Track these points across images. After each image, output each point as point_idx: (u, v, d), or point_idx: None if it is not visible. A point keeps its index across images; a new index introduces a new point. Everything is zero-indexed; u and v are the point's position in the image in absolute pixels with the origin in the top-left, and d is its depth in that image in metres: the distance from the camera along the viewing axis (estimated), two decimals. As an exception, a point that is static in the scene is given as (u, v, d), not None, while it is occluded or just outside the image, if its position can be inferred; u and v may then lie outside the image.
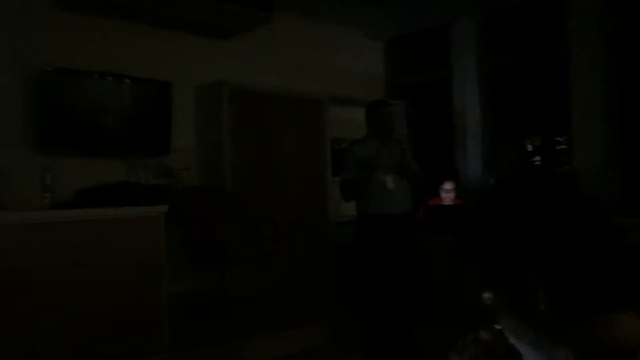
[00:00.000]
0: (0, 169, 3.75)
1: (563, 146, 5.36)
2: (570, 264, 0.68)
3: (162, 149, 4.50)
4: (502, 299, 0.74)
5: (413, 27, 5.92)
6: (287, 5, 5.05)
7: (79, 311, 2.52)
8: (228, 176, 4.65)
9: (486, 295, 0.75)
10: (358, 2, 5.31)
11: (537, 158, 5.56)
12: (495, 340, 0.80)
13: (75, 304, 2.51)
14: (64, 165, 3.77)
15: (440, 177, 5.17)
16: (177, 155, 4.59)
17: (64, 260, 2.49)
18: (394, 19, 5.81)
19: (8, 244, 2.35)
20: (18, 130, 3.97)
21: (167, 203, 3.04)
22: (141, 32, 4.54)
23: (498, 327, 0.79)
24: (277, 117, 5.02)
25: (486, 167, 5.43)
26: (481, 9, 5.36)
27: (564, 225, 0.70)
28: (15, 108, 3.97)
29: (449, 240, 3.89)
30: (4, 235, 2.35)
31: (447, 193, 4.95)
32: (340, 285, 5.05)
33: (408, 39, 6.15)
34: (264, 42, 5.22)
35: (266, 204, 4.78)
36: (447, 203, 4.93)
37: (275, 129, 5.01)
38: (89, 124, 4.14)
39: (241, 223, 4.20)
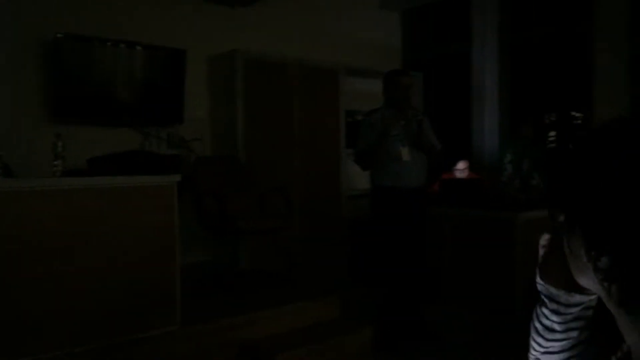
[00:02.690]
0: (13, 136, 3.74)
1: (579, 122, 5.24)
2: None
3: (176, 119, 4.45)
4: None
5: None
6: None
7: (90, 281, 2.52)
8: (241, 147, 4.60)
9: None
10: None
11: (553, 133, 5.45)
12: None
13: (86, 274, 2.51)
14: (77, 134, 3.74)
15: (456, 151, 5.09)
16: (190, 126, 4.55)
17: (74, 228, 2.47)
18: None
19: (18, 210, 2.33)
20: (31, 98, 3.94)
21: (180, 173, 3.01)
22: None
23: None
24: (292, 88, 4.94)
25: (503, 141, 5.33)
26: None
27: None
28: (28, 75, 3.94)
29: (464, 214, 3.83)
30: (14, 203, 2.32)
31: (461, 172, 4.88)
32: (353, 259, 5.04)
33: (425, 9, 5.99)
34: (279, 11, 5.11)
35: (279, 176, 4.74)
36: (461, 176, 4.86)
37: (290, 100, 4.94)
38: (101, 92, 4.10)
39: (254, 195, 4.17)
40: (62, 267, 2.44)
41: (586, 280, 0.72)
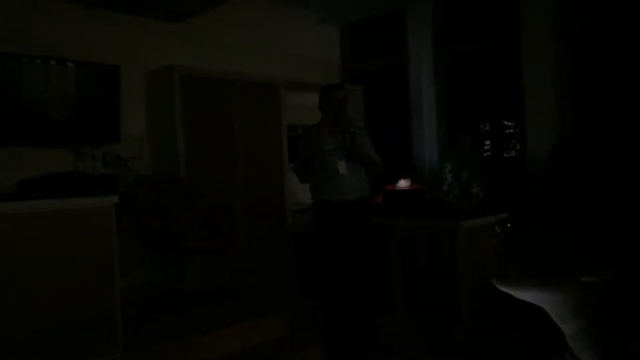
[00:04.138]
0: None
1: (511, 130, 5.48)
2: None
3: (111, 137, 4.30)
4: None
5: (368, 12, 5.87)
6: (240, -12, 4.90)
7: (24, 309, 2.37)
8: (182, 165, 4.50)
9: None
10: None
11: (488, 142, 5.67)
12: None
13: (20, 302, 2.35)
14: (4, 155, 3.54)
15: (398, 163, 5.19)
16: (128, 144, 4.40)
17: (5, 254, 2.32)
18: (349, 2, 5.74)
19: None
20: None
21: (118, 193, 2.90)
22: (88, 14, 4.32)
23: None
24: (232, 103, 4.89)
25: (442, 151, 5.47)
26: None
27: None
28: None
29: (408, 224, 3.89)
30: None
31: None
32: (300, 273, 5.01)
33: (364, 23, 6.10)
34: (217, 26, 5.06)
35: (223, 193, 4.66)
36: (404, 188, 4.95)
37: (231, 115, 4.88)
38: (31, 111, 3.90)
39: (197, 213, 4.07)
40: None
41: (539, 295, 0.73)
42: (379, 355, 3.39)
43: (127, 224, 3.69)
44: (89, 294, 2.60)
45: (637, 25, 4.31)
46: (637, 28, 4.32)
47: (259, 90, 5.07)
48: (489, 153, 5.61)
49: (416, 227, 3.80)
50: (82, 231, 2.59)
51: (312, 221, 3.65)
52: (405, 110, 5.78)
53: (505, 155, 5.55)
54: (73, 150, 4.13)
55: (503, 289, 0.75)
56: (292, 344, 3.21)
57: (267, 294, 4.16)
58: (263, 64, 5.31)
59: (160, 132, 4.65)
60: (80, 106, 4.16)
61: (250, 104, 4.99)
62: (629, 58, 4.40)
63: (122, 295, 2.74)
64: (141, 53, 4.60)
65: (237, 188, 4.84)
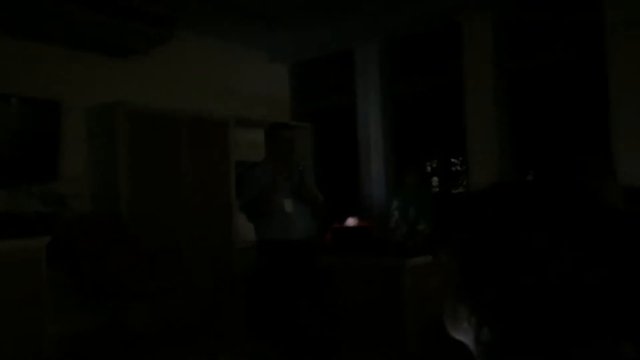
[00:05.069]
0: None
1: (458, 167, 5.62)
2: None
3: (49, 174, 4.13)
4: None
5: (318, 52, 5.97)
6: (188, 25, 4.90)
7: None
8: (125, 204, 4.35)
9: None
10: (262, 25, 5.26)
11: (435, 179, 5.78)
12: None
13: None
14: None
15: (346, 200, 5.20)
16: (68, 182, 4.24)
17: None
18: (299, 42, 5.83)
19: None
20: None
21: (54, 233, 2.76)
22: (29, 48, 4.21)
23: None
24: (179, 141, 4.81)
25: (389, 189, 5.53)
26: (380, 35, 5.52)
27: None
28: None
29: (354, 262, 3.87)
30: None
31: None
32: (248, 315, 4.88)
33: (313, 63, 6.20)
34: (164, 62, 5.02)
35: (168, 233, 4.53)
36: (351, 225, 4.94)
37: (179, 153, 4.79)
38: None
39: (139, 254, 3.93)
40: None
41: (463, 339, 0.65)
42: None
43: (63, 265, 3.52)
44: (18, 341, 2.44)
45: (568, 66, 4.58)
46: (568, 68, 4.60)
47: (207, 127, 5.02)
48: (438, 190, 5.72)
49: (362, 265, 3.78)
50: (10, 275, 2.44)
51: (256, 261, 3.58)
52: (354, 149, 5.84)
53: (453, 191, 5.66)
54: (7, 187, 3.94)
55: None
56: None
57: (213, 337, 4.03)
58: (213, 101, 5.28)
59: (103, 170, 4.51)
60: (19, 142, 4.01)
61: (198, 141, 4.93)
62: (563, 95, 4.67)
63: (54, 344, 2.58)
64: (85, 89, 4.50)
65: (184, 226, 4.72)
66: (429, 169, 5.83)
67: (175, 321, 4.31)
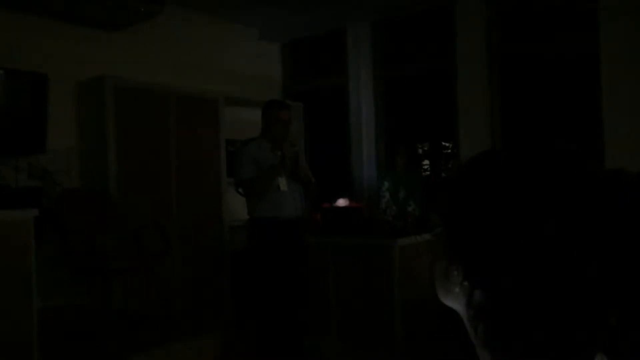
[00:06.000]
0: None
1: (449, 150, 5.64)
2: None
3: (37, 148, 4.06)
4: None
5: (310, 31, 5.91)
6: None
7: None
8: (113, 179, 4.30)
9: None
10: (253, 2, 5.18)
11: (426, 162, 5.80)
12: None
13: None
14: None
15: (337, 181, 5.19)
16: (56, 156, 4.18)
17: None
18: (290, 21, 5.76)
19: None
20: None
21: (40, 207, 2.72)
22: (20, 21, 4.12)
23: None
24: (170, 117, 4.75)
25: (380, 171, 5.53)
26: (373, 15, 5.47)
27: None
28: None
29: (344, 242, 3.88)
30: None
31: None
32: (236, 292, 4.89)
33: (305, 42, 6.14)
34: (154, 37, 4.94)
35: (156, 210, 4.49)
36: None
37: (168, 129, 4.73)
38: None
39: (127, 230, 3.90)
40: None
41: (454, 305, 0.66)
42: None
43: (50, 240, 3.48)
44: (5, 316, 2.41)
45: (562, 50, 4.58)
46: (562, 53, 4.60)
47: (197, 104, 4.96)
48: (428, 172, 5.73)
49: (352, 245, 3.80)
50: (-4, 248, 2.41)
51: (247, 239, 3.58)
52: (345, 129, 5.82)
53: (443, 175, 5.68)
54: (-7, 160, 3.88)
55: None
56: (224, 366, 3.10)
57: (201, 315, 4.03)
58: (202, 77, 5.21)
59: (91, 145, 4.45)
60: (5, 114, 3.93)
61: (187, 117, 4.87)
62: (556, 80, 4.68)
63: (42, 319, 2.56)
64: (73, 62, 4.41)
65: (172, 204, 4.68)
66: (420, 151, 5.83)
67: (161, 298, 4.30)
